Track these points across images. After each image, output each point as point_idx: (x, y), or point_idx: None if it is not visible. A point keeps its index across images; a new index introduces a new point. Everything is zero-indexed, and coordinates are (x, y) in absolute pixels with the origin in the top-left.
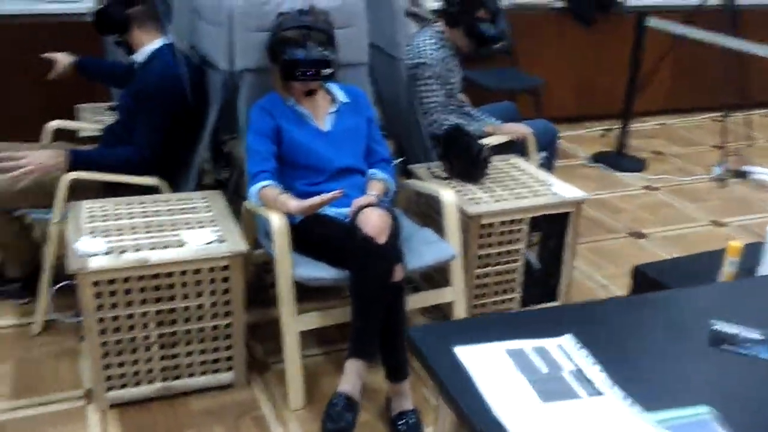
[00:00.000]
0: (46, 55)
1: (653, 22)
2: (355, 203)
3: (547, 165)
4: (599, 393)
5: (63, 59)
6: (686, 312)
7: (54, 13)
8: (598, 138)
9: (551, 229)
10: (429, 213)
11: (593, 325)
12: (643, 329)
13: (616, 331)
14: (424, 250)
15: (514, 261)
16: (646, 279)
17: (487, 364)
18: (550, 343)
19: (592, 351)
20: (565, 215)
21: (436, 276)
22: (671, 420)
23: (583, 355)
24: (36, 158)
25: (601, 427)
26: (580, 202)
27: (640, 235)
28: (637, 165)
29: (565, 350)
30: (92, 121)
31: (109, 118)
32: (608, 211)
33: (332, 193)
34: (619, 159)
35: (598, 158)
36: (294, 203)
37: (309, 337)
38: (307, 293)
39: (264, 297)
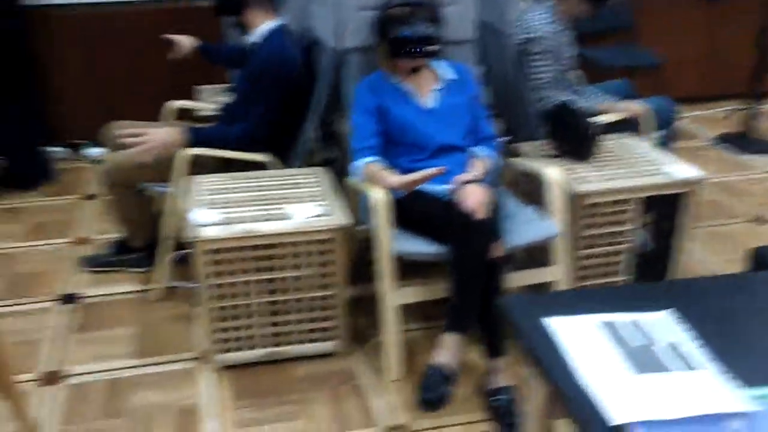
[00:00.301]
0: (167, 36)
1: None
2: (456, 179)
3: (665, 145)
4: (692, 368)
5: (185, 42)
6: None
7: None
8: (722, 120)
9: (665, 210)
10: (535, 192)
11: (698, 301)
12: (753, 308)
13: (724, 308)
14: (526, 227)
15: (622, 242)
16: (765, 262)
17: (578, 335)
18: (646, 317)
19: (695, 327)
20: (679, 196)
21: (540, 256)
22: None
23: (682, 330)
24: (157, 135)
25: (686, 400)
26: (695, 183)
27: (762, 221)
28: (765, 147)
29: (663, 325)
30: (210, 101)
31: (226, 98)
32: (730, 194)
33: (433, 169)
34: (745, 141)
35: (723, 139)
36: (395, 179)
37: (408, 313)
38: (407, 270)
39: (366, 273)
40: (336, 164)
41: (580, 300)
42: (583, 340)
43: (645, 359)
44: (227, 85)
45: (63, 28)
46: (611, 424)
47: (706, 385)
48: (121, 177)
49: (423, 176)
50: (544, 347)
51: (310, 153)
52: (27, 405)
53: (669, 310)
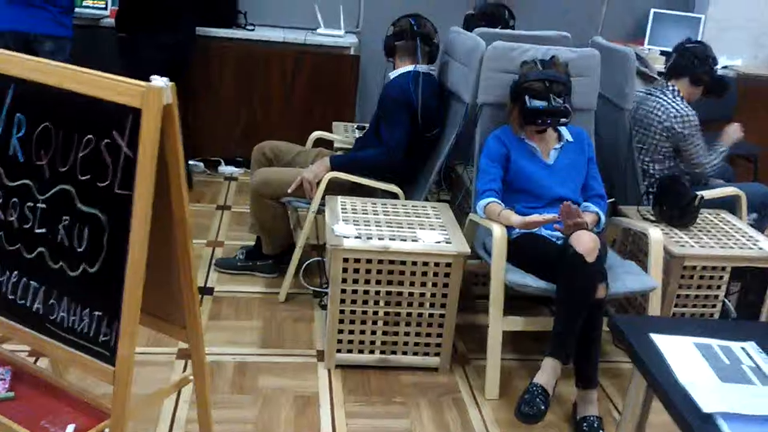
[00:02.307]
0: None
1: None
2: (569, 211)
3: (758, 227)
4: None
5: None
6: None
7: (320, 44)
8: None
9: (753, 282)
10: (633, 251)
11: None
12: None
13: None
14: (627, 278)
15: (712, 305)
16: None
17: (677, 349)
18: (734, 345)
19: None
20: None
21: (630, 309)
22: None
23: (764, 358)
24: (311, 170)
25: (763, 404)
26: None
27: None
28: None
29: (747, 351)
30: (344, 135)
31: (357, 134)
32: None
33: (551, 215)
34: None
35: None
36: (517, 217)
37: (508, 343)
38: (508, 307)
39: (470, 305)
40: (454, 203)
41: (681, 325)
42: (681, 354)
43: (732, 373)
44: (358, 123)
45: (220, 56)
46: (702, 412)
47: None
48: (270, 190)
49: (542, 219)
50: (649, 356)
51: (430, 192)
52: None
53: (752, 342)
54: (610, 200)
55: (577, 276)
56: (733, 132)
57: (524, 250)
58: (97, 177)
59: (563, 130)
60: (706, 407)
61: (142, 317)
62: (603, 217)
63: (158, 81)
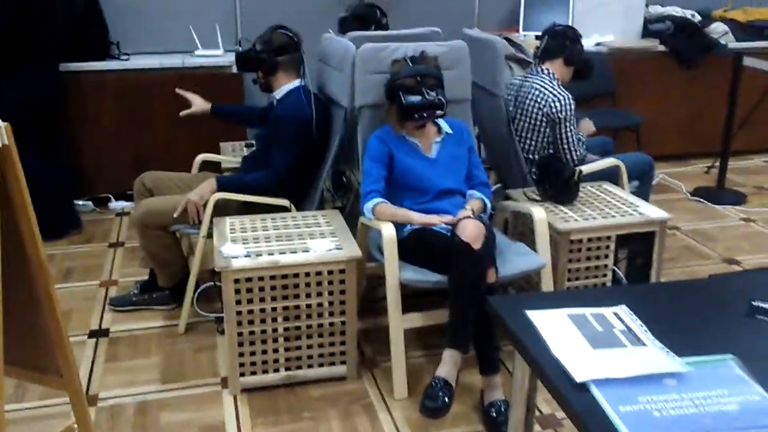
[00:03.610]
0: (180, 91)
1: (749, 60)
2: (438, 219)
3: (641, 194)
4: (642, 344)
5: (198, 101)
6: (730, 293)
7: (200, 66)
8: (702, 174)
9: (639, 247)
10: (523, 232)
11: (646, 300)
12: (689, 305)
13: (666, 304)
14: (517, 259)
15: (603, 275)
16: None
17: (551, 323)
18: (606, 311)
19: (642, 318)
20: (652, 235)
21: (528, 288)
22: (698, 363)
23: (634, 319)
24: (196, 192)
25: (633, 365)
26: (664, 222)
27: (733, 262)
28: (736, 198)
29: (619, 315)
30: (232, 155)
31: (245, 153)
32: (704, 239)
33: (449, 216)
34: (718, 193)
35: (699, 192)
36: (417, 215)
37: (412, 341)
38: (410, 303)
39: (373, 308)
40: (346, 208)
41: (556, 300)
42: (555, 328)
43: (604, 339)
44: (246, 141)
45: (97, 90)
46: (575, 382)
47: (649, 355)
48: (156, 220)
49: (440, 220)
50: (524, 333)
51: (322, 199)
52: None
53: (623, 306)
54: (498, 185)
55: (466, 264)
56: (586, 127)
57: (416, 246)
58: None
59: (442, 123)
60: (579, 376)
61: (15, 370)
62: (488, 204)
63: None
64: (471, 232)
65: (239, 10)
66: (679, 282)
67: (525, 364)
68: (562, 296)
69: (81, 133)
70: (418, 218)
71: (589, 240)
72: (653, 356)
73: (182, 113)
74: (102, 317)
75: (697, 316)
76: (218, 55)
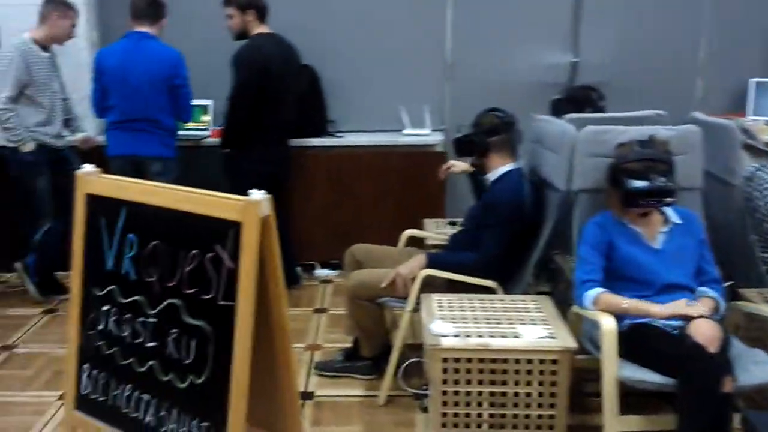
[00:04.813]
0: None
1: None
2: (685, 309)
3: None
4: None
5: (461, 165)
6: None
7: (407, 144)
8: None
9: None
10: (758, 337)
11: None
12: None
13: None
14: (755, 369)
15: None
16: None
17: None
18: None
19: None
20: None
21: (760, 402)
22: None
23: None
24: (406, 267)
25: None
26: None
27: None
28: None
29: None
30: (436, 231)
31: (449, 230)
32: None
33: (697, 308)
34: None
35: None
36: (657, 307)
37: None
38: (627, 404)
39: (582, 403)
40: (555, 295)
41: None
42: None
43: None
44: (449, 219)
45: (313, 164)
46: None
47: None
48: (365, 292)
49: (685, 309)
50: None
51: (528, 284)
52: None
53: None
54: (728, 283)
55: (699, 369)
56: None
57: (637, 343)
58: (202, 290)
59: (669, 211)
60: None
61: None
62: (722, 304)
63: (256, 194)
64: (706, 332)
65: (448, 93)
66: None
67: None
68: None
69: (294, 203)
70: (658, 310)
71: None
72: None
73: (441, 175)
74: (307, 380)
75: None
76: (426, 134)
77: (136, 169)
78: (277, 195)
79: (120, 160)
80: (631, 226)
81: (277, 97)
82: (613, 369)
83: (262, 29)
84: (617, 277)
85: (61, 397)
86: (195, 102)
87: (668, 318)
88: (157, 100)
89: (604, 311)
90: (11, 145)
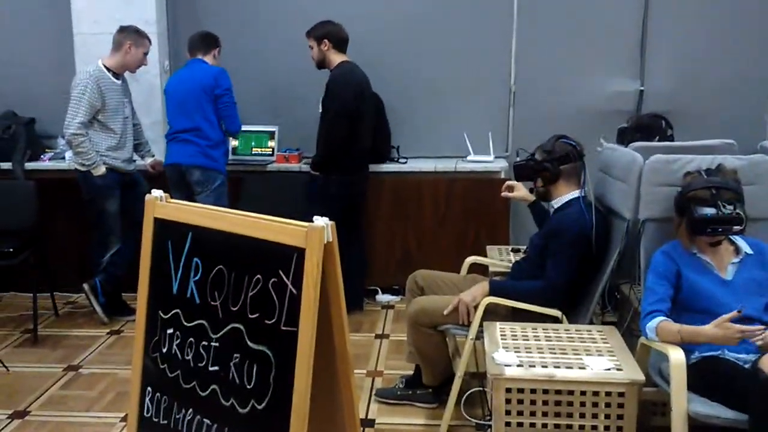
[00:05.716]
0: (509, 183)
1: None
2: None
3: None
4: None
5: (524, 192)
6: None
7: (470, 171)
8: None
9: None
10: None
11: None
12: None
13: None
14: None
15: None
16: None
17: None
18: None
19: None
20: None
21: None
22: None
23: None
24: (469, 294)
25: None
26: None
27: None
28: None
29: None
30: (499, 258)
31: (512, 257)
32: None
33: (754, 327)
34: None
35: None
36: (710, 330)
37: None
38: None
39: None
40: (620, 325)
41: None
42: None
43: None
44: (512, 246)
45: (377, 190)
46: None
47: None
48: (427, 319)
49: (742, 330)
50: None
51: (594, 314)
52: None
53: None
54: None
55: None
56: None
57: (707, 376)
58: (265, 315)
59: (740, 242)
60: None
61: None
62: None
63: (319, 221)
64: None
65: (512, 120)
66: None
67: None
68: None
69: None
70: (711, 332)
71: None
72: None
73: (504, 194)
74: (368, 407)
75: None
76: (489, 161)
77: (181, 177)
78: (356, 220)
79: (169, 169)
80: (700, 256)
81: (365, 122)
82: (683, 403)
83: (343, 58)
84: (686, 309)
85: (124, 419)
86: (261, 128)
87: (725, 338)
88: (200, 110)
89: (664, 340)
90: (83, 168)
